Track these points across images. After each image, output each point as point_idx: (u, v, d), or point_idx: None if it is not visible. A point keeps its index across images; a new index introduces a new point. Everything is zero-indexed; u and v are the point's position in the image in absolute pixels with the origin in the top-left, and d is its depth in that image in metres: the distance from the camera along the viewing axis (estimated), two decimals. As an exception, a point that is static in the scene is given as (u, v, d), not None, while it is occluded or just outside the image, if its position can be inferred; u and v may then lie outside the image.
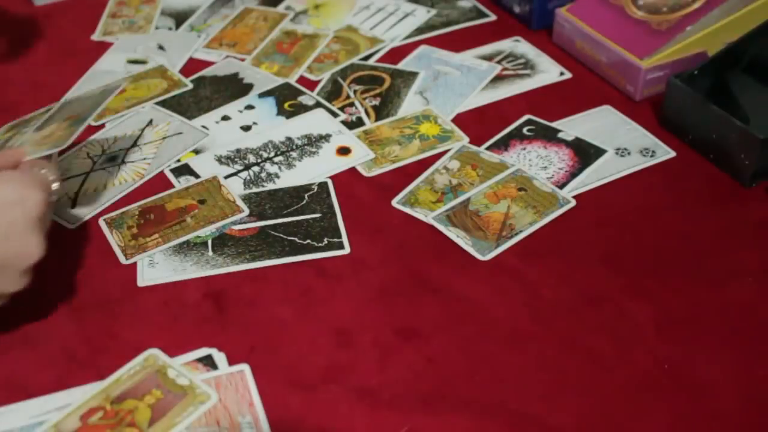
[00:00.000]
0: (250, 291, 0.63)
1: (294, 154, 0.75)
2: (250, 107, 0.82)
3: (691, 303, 0.62)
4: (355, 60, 0.88)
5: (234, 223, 0.68)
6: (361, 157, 0.75)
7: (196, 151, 0.76)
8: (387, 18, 0.96)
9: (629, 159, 0.75)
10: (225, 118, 0.80)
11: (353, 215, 0.69)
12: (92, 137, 0.78)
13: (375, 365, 0.58)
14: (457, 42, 0.91)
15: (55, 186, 0.59)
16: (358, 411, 0.55)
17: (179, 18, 0.96)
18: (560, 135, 0.77)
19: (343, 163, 0.75)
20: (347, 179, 0.73)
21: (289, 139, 0.77)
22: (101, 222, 0.69)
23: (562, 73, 0.86)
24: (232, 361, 0.57)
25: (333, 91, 0.84)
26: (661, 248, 0.66)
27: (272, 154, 0.75)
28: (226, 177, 0.73)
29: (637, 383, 0.56)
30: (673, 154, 0.75)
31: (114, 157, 0.76)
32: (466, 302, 0.62)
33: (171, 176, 0.73)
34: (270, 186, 0.72)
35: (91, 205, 0.71)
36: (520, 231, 0.67)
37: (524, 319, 0.61)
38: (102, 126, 0.80)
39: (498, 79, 0.85)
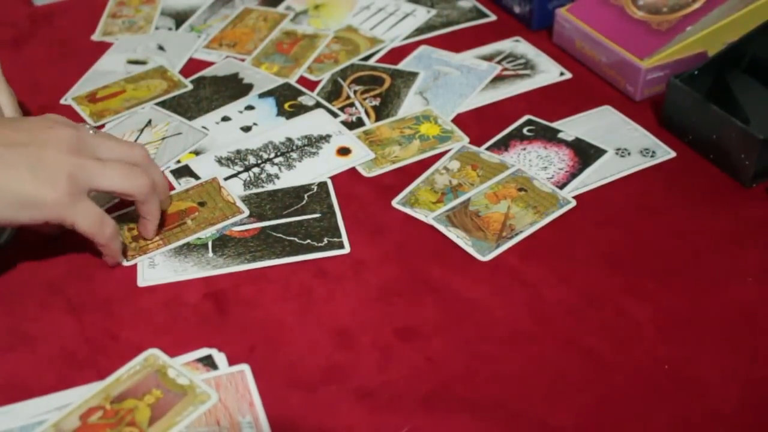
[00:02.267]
0: (250, 291, 0.63)
1: (294, 155, 0.75)
2: (250, 108, 0.82)
3: (691, 303, 0.62)
4: (355, 60, 0.88)
5: (234, 224, 0.68)
6: (361, 158, 0.75)
7: (196, 152, 0.76)
8: (387, 18, 0.96)
9: (629, 159, 0.75)
10: (225, 118, 0.80)
11: (353, 216, 0.69)
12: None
13: (375, 365, 0.58)
14: (457, 42, 0.91)
15: None
16: (358, 411, 0.55)
17: (179, 18, 0.96)
18: (560, 135, 0.77)
19: (343, 164, 0.75)
20: (347, 180, 0.73)
21: (289, 139, 0.77)
22: (101, 222, 0.69)
23: (562, 74, 0.86)
24: (232, 361, 0.57)
25: (333, 92, 0.84)
26: (661, 248, 0.66)
27: (272, 155, 0.75)
28: (226, 179, 0.73)
29: (637, 383, 0.56)
30: (673, 154, 0.75)
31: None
32: (466, 302, 0.62)
33: (171, 177, 0.73)
34: (270, 187, 0.72)
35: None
36: (521, 231, 0.67)
37: (524, 319, 0.61)
38: (102, 127, 0.80)
39: (498, 79, 0.85)
